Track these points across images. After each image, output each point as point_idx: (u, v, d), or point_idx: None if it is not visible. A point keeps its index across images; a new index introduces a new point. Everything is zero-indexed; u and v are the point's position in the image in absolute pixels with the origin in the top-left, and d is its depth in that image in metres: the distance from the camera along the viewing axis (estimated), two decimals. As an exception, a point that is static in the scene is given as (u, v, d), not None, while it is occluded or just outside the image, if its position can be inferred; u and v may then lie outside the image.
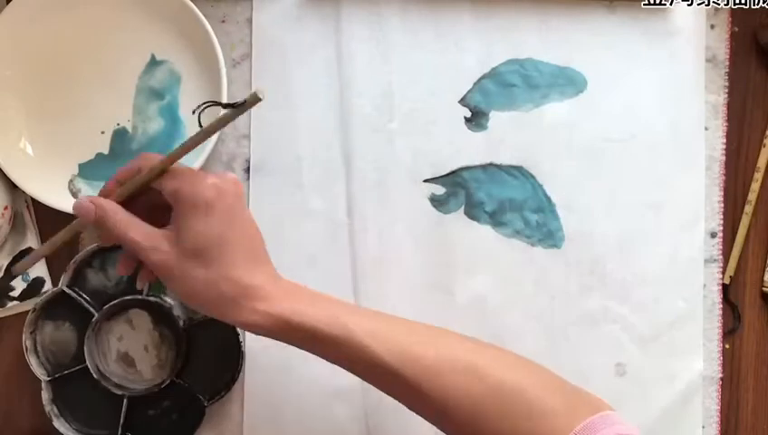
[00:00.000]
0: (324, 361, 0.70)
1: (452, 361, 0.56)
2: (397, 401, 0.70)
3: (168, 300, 0.70)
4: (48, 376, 0.69)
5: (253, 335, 0.68)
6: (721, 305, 0.71)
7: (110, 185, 0.58)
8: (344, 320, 0.56)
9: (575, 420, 0.53)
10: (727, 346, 0.72)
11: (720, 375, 0.71)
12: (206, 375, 0.69)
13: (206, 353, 0.70)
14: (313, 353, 0.57)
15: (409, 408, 0.58)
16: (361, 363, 0.56)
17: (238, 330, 0.69)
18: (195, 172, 0.56)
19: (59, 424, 0.68)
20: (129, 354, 0.70)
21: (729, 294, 0.72)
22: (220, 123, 0.53)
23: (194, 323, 0.69)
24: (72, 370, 0.69)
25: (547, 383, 0.57)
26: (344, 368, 0.57)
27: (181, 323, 0.69)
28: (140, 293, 0.69)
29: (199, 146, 0.68)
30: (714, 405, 0.71)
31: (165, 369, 0.70)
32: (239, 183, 0.57)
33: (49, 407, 0.68)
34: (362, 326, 0.56)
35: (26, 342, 0.68)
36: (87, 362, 0.68)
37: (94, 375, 0.68)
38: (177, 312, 0.69)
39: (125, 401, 0.68)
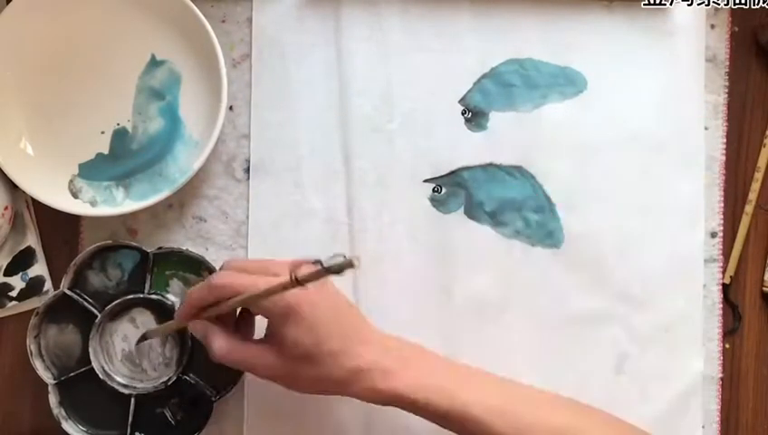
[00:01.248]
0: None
1: (564, 429, 0.60)
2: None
3: (170, 297, 0.70)
4: (54, 379, 0.68)
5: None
6: (721, 305, 0.71)
7: (190, 309, 0.61)
8: (458, 395, 0.59)
9: None
10: (727, 346, 0.72)
11: (720, 375, 0.71)
12: (213, 370, 0.69)
13: (211, 349, 0.70)
14: (431, 421, 0.61)
15: None
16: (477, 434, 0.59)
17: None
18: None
19: (68, 426, 0.68)
20: (133, 353, 0.70)
21: (729, 294, 0.72)
22: (312, 277, 0.51)
23: (197, 320, 0.69)
24: (78, 372, 0.69)
25: None
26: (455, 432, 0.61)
27: (184, 319, 0.69)
28: (142, 292, 0.69)
29: (198, 147, 0.69)
30: (714, 405, 0.71)
31: (171, 366, 0.70)
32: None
33: (57, 410, 0.68)
34: (478, 401, 0.59)
35: (31, 346, 0.68)
36: (92, 364, 0.68)
37: (100, 376, 0.68)
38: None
39: (132, 400, 0.68)
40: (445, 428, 0.61)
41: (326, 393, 0.61)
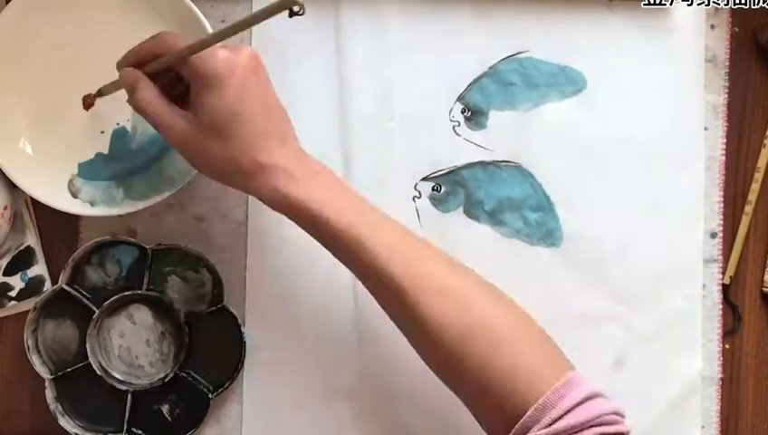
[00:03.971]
0: (323, 361, 0.70)
1: (455, 287, 0.58)
2: (396, 402, 0.70)
3: (169, 294, 0.70)
4: (51, 374, 0.69)
5: (252, 329, 0.70)
6: (721, 305, 0.71)
7: (132, 57, 0.60)
8: (356, 222, 0.57)
9: (556, 376, 0.55)
10: (727, 346, 0.72)
11: (720, 375, 0.71)
12: (210, 367, 0.70)
13: (208, 345, 0.70)
14: (318, 241, 0.59)
15: (396, 321, 0.60)
16: (365, 268, 0.58)
17: (239, 320, 0.69)
18: (209, 49, 0.56)
19: (64, 422, 0.68)
20: (131, 350, 0.70)
21: (729, 294, 0.72)
22: (248, 21, 0.52)
23: (195, 316, 0.69)
24: (75, 367, 0.69)
25: (537, 336, 0.58)
26: (344, 263, 0.59)
27: (182, 316, 0.69)
28: (140, 288, 0.69)
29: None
30: (713, 405, 0.71)
31: (168, 363, 0.70)
32: (255, 57, 0.58)
33: (53, 405, 0.69)
34: (376, 235, 0.57)
35: (28, 341, 0.69)
36: (90, 359, 0.68)
37: (97, 372, 0.68)
38: (177, 305, 0.70)
39: (129, 396, 0.69)
40: (331, 252, 0.59)
41: (226, 183, 0.60)
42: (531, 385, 0.54)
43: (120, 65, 0.61)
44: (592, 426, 0.53)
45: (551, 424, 0.53)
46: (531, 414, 0.53)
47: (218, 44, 0.55)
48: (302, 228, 0.59)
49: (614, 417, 0.54)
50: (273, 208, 0.59)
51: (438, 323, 0.56)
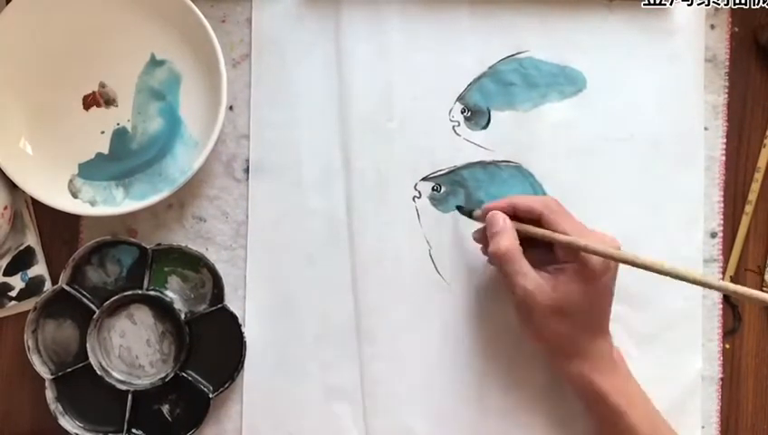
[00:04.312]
0: (323, 361, 0.70)
1: None
2: (396, 402, 0.70)
3: (169, 294, 0.70)
4: (51, 374, 0.69)
5: (252, 329, 0.69)
6: (721, 305, 0.71)
7: (504, 205, 0.65)
8: (637, 411, 0.64)
9: None
10: (727, 346, 0.72)
11: (720, 375, 0.71)
12: (210, 367, 0.70)
13: (209, 345, 0.70)
14: (598, 418, 0.65)
15: None
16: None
17: (239, 320, 0.69)
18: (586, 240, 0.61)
19: (64, 422, 0.68)
20: (131, 350, 0.70)
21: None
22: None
23: (195, 316, 0.69)
24: (76, 367, 0.69)
25: None
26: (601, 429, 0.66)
27: (182, 316, 0.69)
28: (140, 288, 0.69)
29: (198, 147, 0.69)
30: (713, 405, 0.71)
31: (168, 363, 0.70)
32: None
33: (53, 405, 0.69)
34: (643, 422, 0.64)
35: (28, 341, 0.69)
36: (90, 359, 0.68)
37: (98, 372, 0.68)
38: (177, 305, 0.69)
39: (129, 396, 0.69)
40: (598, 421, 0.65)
41: (542, 351, 0.66)
42: None
43: (495, 205, 0.65)
44: None
45: None
46: None
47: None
48: (593, 408, 0.65)
49: None
50: (574, 388, 0.65)
51: None
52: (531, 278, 0.62)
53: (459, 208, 0.69)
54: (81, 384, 0.69)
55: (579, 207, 0.70)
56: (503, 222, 0.64)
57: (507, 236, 0.63)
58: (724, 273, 0.72)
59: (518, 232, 0.64)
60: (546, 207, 0.63)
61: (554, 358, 0.66)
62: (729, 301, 0.72)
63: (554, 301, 0.62)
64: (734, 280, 0.72)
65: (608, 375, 0.64)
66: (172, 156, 0.70)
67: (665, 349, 0.71)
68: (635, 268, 0.70)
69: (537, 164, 0.71)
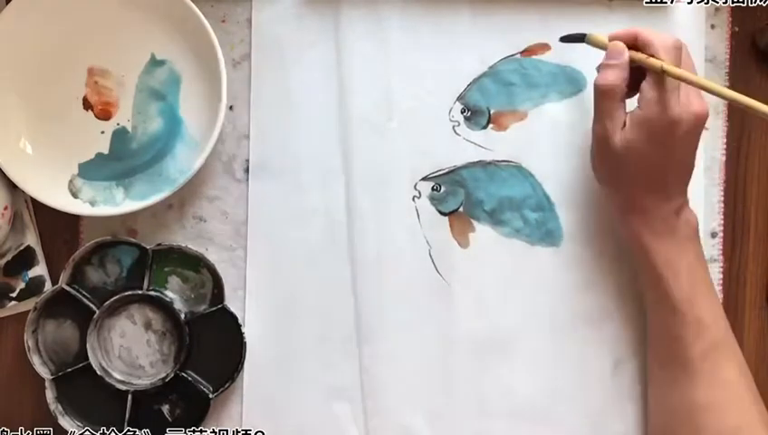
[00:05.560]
0: (323, 361, 0.70)
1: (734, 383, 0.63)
2: (396, 402, 0.70)
3: (169, 294, 0.70)
4: (51, 375, 0.69)
5: (252, 329, 0.69)
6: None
7: (627, 35, 0.63)
8: (688, 291, 0.63)
9: None
10: (727, 346, 0.72)
11: (720, 375, 0.71)
12: (210, 367, 0.70)
13: (209, 346, 0.70)
14: (645, 282, 0.66)
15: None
16: (670, 331, 0.64)
17: (240, 321, 0.69)
18: (671, 91, 0.60)
19: (64, 422, 0.68)
20: (131, 350, 0.70)
21: (729, 294, 0.72)
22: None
23: (195, 317, 0.69)
24: (76, 367, 0.69)
25: None
26: (646, 290, 0.66)
27: (182, 316, 0.69)
28: (141, 288, 0.69)
29: (198, 147, 0.69)
30: (714, 405, 0.71)
31: (168, 363, 0.70)
32: (703, 118, 0.62)
33: (54, 405, 0.69)
34: (694, 310, 0.63)
35: (28, 341, 0.69)
36: (90, 360, 0.68)
37: (98, 372, 0.68)
38: (177, 306, 0.69)
39: (129, 396, 0.69)
40: (647, 289, 0.66)
41: (606, 193, 0.67)
42: None
43: (612, 36, 0.64)
44: None
45: None
46: None
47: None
48: (638, 269, 0.66)
49: None
50: (630, 246, 0.66)
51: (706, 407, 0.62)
52: (616, 122, 0.62)
53: (564, 38, 0.67)
54: (81, 384, 0.69)
55: (579, 206, 0.70)
56: (621, 57, 0.62)
57: (617, 74, 0.62)
58: (724, 273, 0.71)
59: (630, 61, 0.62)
60: (666, 52, 0.61)
61: (616, 208, 0.66)
62: (729, 301, 0.72)
63: (626, 150, 0.61)
64: (733, 280, 0.72)
65: (659, 237, 0.63)
66: (172, 156, 0.70)
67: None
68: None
69: (537, 164, 0.71)
